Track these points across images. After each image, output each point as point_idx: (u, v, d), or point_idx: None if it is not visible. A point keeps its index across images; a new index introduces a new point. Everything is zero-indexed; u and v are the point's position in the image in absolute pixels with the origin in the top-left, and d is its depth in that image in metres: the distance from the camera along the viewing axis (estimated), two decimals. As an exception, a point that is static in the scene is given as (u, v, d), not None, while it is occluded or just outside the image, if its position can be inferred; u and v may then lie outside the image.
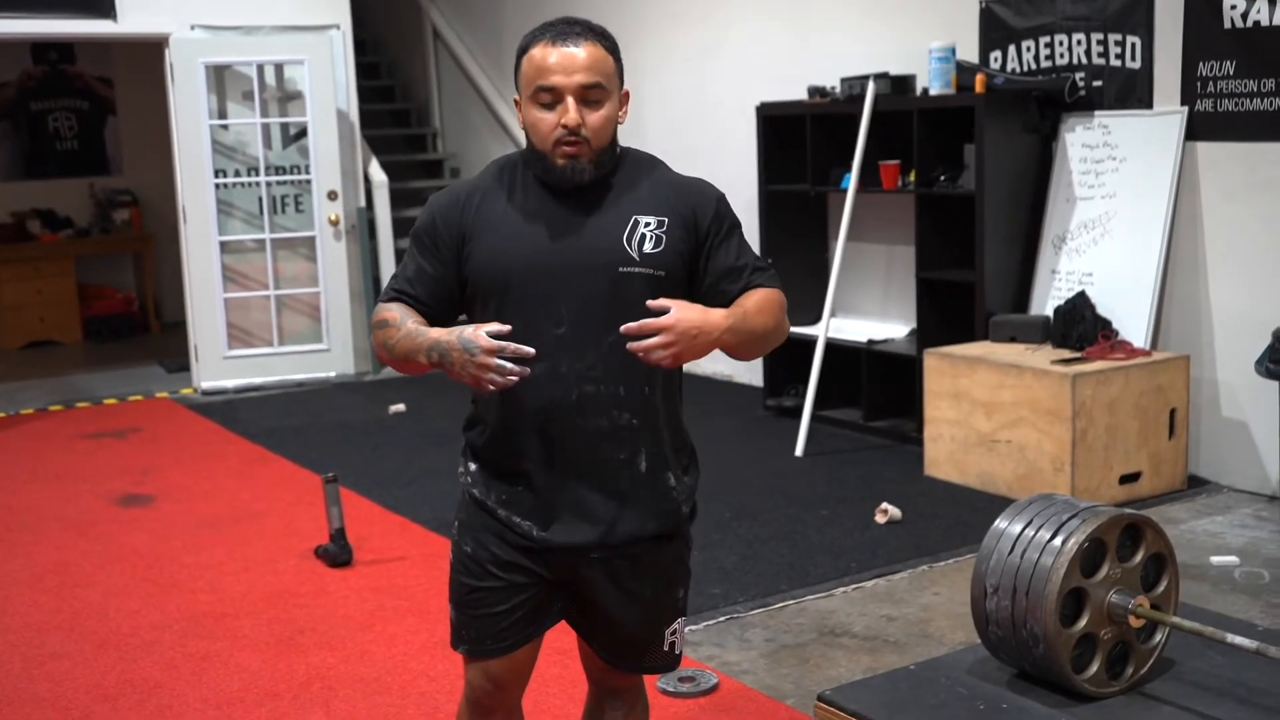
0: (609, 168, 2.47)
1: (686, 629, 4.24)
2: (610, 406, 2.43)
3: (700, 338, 2.31)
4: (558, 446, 2.43)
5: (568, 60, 2.37)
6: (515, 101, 2.49)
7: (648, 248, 2.43)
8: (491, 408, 2.48)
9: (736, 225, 2.55)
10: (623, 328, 2.30)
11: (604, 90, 2.40)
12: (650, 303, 2.32)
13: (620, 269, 2.40)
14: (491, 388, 2.29)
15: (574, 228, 2.43)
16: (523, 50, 2.44)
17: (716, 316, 2.35)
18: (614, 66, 2.44)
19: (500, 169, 2.54)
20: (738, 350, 2.44)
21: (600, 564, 2.50)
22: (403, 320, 2.43)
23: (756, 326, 2.44)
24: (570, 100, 2.37)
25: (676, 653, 2.68)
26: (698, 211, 2.49)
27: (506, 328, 2.31)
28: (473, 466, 2.55)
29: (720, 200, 2.54)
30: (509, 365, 2.28)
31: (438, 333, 2.37)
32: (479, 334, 2.29)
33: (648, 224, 2.44)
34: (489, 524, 2.51)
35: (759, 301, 2.47)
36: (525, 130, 2.45)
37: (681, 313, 2.31)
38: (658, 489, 2.51)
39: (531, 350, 2.30)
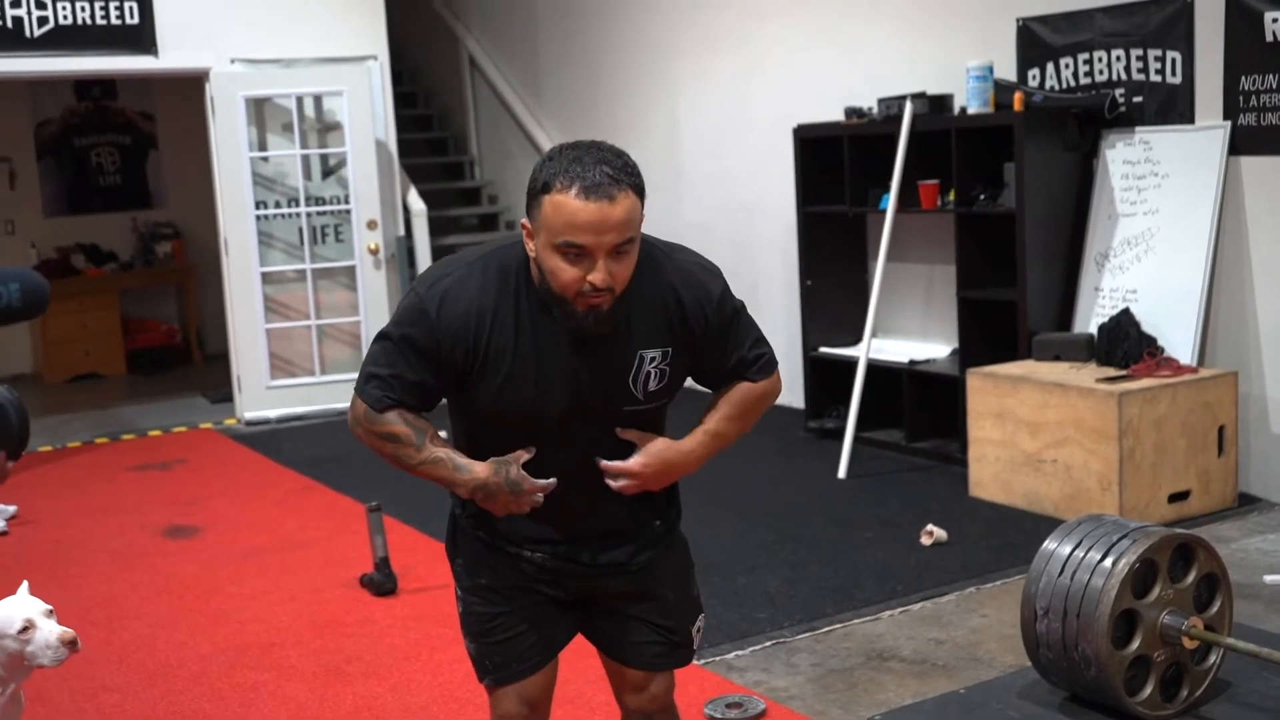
0: (624, 309, 2.40)
1: (732, 654, 4.26)
2: (615, 508, 2.53)
3: (664, 475, 2.51)
4: (568, 535, 2.54)
5: (601, 218, 2.23)
6: (524, 226, 2.36)
7: (652, 385, 2.47)
8: None
9: (737, 315, 2.53)
10: (602, 465, 2.45)
11: (634, 242, 2.32)
12: (621, 433, 2.47)
13: (626, 408, 2.47)
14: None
15: (581, 371, 2.41)
16: (545, 187, 2.27)
17: (679, 454, 2.51)
18: (641, 207, 2.32)
19: (504, 280, 2.39)
20: (705, 462, 2.59)
21: (614, 580, 2.58)
22: (418, 438, 2.43)
23: (728, 434, 2.58)
24: (600, 259, 2.26)
25: (697, 646, 2.77)
26: (695, 328, 2.47)
27: (532, 452, 2.43)
28: (472, 507, 2.57)
29: (720, 301, 2.49)
30: (540, 498, 2.44)
31: (483, 471, 2.41)
32: (523, 475, 2.41)
33: (653, 359, 2.45)
34: (500, 556, 2.57)
35: (735, 407, 2.57)
36: (541, 269, 2.32)
37: (646, 456, 2.47)
38: (646, 533, 2.61)
39: (554, 481, 2.43)
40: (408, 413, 2.42)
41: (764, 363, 2.57)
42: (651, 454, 2.48)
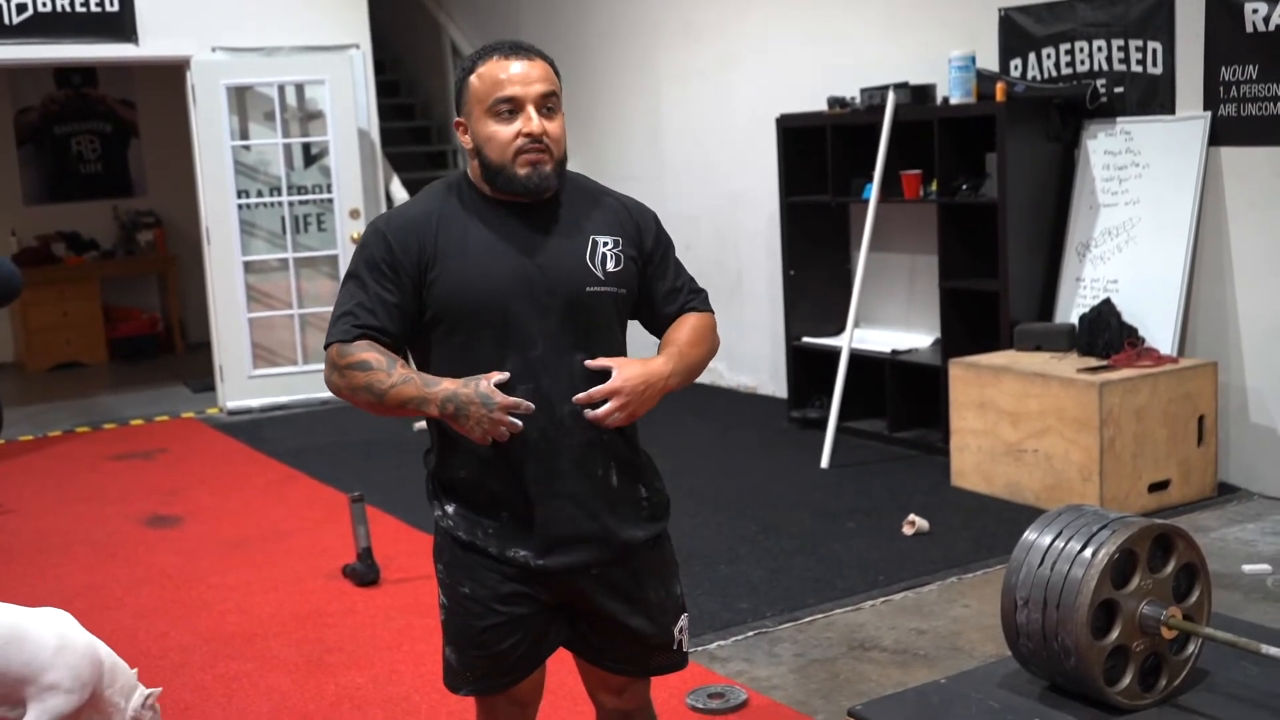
0: (563, 174, 2.51)
1: (714, 644, 4.26)
2: (588, 423, 2.46)
3: (648, 391, 2.45)
4: (545, 465, 2.46)
5: (524, 71, 2.43)
6: (458, 124, 2.51)
7: (610, 266, 2.49)
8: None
9: (672, 244, 2.66)
10: (575, 398, 2.41)
11: (558, 99, 2.47)
12: (589, 363, 2.43)
13: (588, 289, 2.47)
14: (495, 439, 2.37)
15: (538, 250, 2.46)
16: (468, 70, 2.47)
17: (657, 365, 2.48)
18: (559, 84, 2.50)
19: (448, 190, 2.54)
20: (679, 386, 2.55)
21: (599, 579, 2.53)
22: (389, 364, 2.39)
23: (693, 359, 2.56)
24: (531, 108, 2.42)
25: (685, 650, 2.72)
26: (643, 231, 2.58)
27: (506, 375, 2.38)
28: (450, 508, 2.54)
29: (658, 220, 2.65)
30: (517, 422, 2.36)
31: (452, 384, 2.37)
32: (493, 388, 2.35)
33: (605, 243, 2.51)
34: (482, 562, 2.51)
35: (692, 332, 2.59)
36: (479, 148, 2.45)
37: (625, 372, 2.43)
38: (631, 500, 2.56)
39: (532, 405, 2.38)
40: (377, 343, 2.42)
41: (704, 297, 2.68)
42: (629, 370, 2.43)
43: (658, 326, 2.64)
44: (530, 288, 2.43)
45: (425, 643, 4.42)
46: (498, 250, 2.44)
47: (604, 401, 2.42)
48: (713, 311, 2.68)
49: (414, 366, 2.48)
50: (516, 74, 2.41)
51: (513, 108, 2.41)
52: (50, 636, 3.18)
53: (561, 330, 2.44)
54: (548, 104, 2.43)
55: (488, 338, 2.42)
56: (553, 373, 2.43)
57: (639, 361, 2.47)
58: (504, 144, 2.41)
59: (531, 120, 2.40)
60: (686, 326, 2.60)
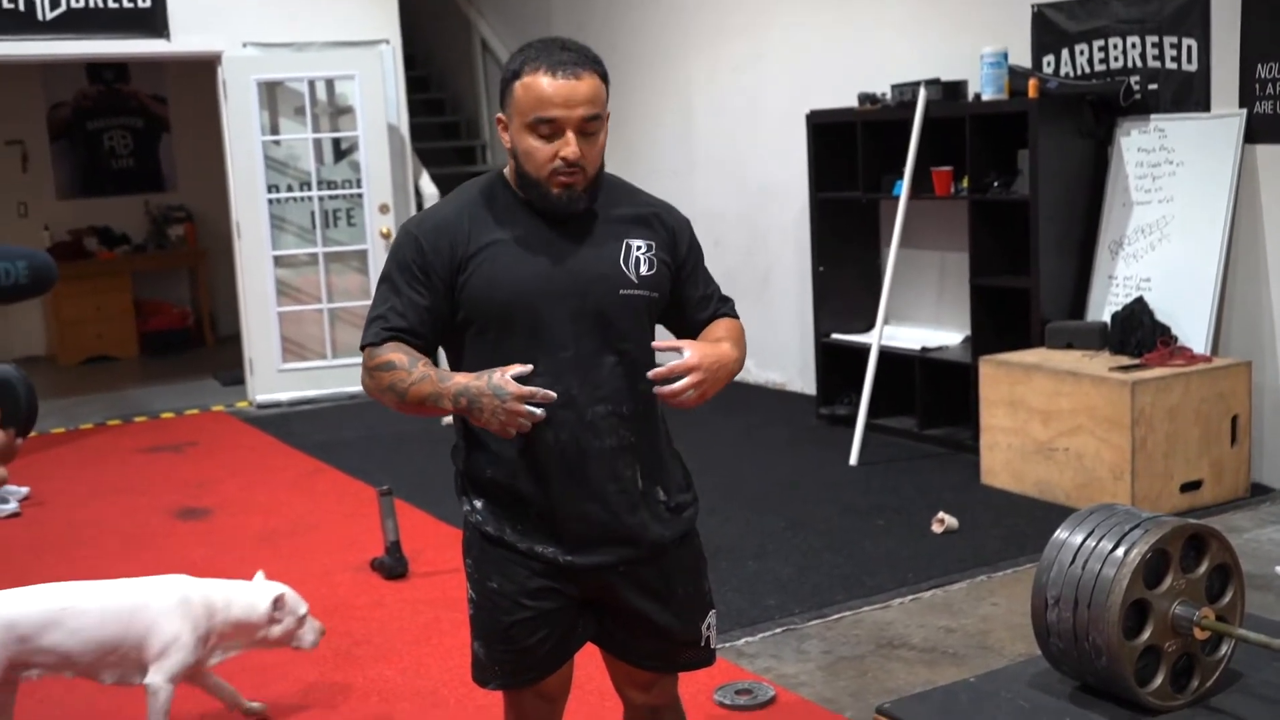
0: (595, 191, 2.49)
1: (742, 640, 4.25)
2: (617, 425, 2.47)
3: (721, 371, 2.43)
4: (573, 467, 2.46)
5: (569, 92, 2.36)
6: (499, 120, 2.48)
7: (644, 270, 2.49)
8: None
9: (702, 253, 2.67)
10: (650, 374, 2.38)
11: (600, 121, 2.42)
12: (658, 344, 2.42)
13: (621, 291, 2.46)
14: (515, 432, 2.35)
15: (571, 252, 2.45)
16: (515, 74, 2.41)
17: (726, 348, 2.48)
18: (606, 94, 2.45)
19: (481, 191, 2.52)
20: (738, 373, 2.55)
21: (627, 575, 2.53)
22: (411, 364, 2.40)
23: (738, 358, 2.56)
24: (570, 133, 2.38)
25: (713, 647, 2.71)
26: (676, 237, 2.58)
27: (528, 368, 2.35)
28: (478, 504, 2.54)
29: (691, 227, 2.64)
30: (536, 411, 2.33)
31: (464, 378, 2.36)
32: (508, 379, 2.32)
33: (639, 247, 2.50)
34: (510, 557, 2.52)
35: (731, 331, 2.60)
36: (516, 155, 2.43)
37: (699, 350, 2.41)
38: (651, 502, 2.55)
39: (554, 394, 2.35)
40: (405, 345, 2.43)
41: (732, 305, 2.69)
42: (703, 348, 2.41)
43: (688, 332, 2.62)
44: (562, 289, 2.43)
45: (453, 636, 4.42)
46: (531, 252, 2.44)
47: (672, 380, 2.37)
48: (740, 319, 2.69)
49: (447, 366, 2.47)
50: (560, 95, 2.35)
51: (552, 129, 2.37)
52: (173, 601, 3.39)
53: (593, 332, 2.44)
54: (588, 127, 2.39)
55: (519, 339, 2.42)
56: (583, 374, 2.43)
57: (706, 343, 2.47)
58: (541, 162, 2.39)
59: (570, 145, 2.37)
60: (724, 328, 2.60)
